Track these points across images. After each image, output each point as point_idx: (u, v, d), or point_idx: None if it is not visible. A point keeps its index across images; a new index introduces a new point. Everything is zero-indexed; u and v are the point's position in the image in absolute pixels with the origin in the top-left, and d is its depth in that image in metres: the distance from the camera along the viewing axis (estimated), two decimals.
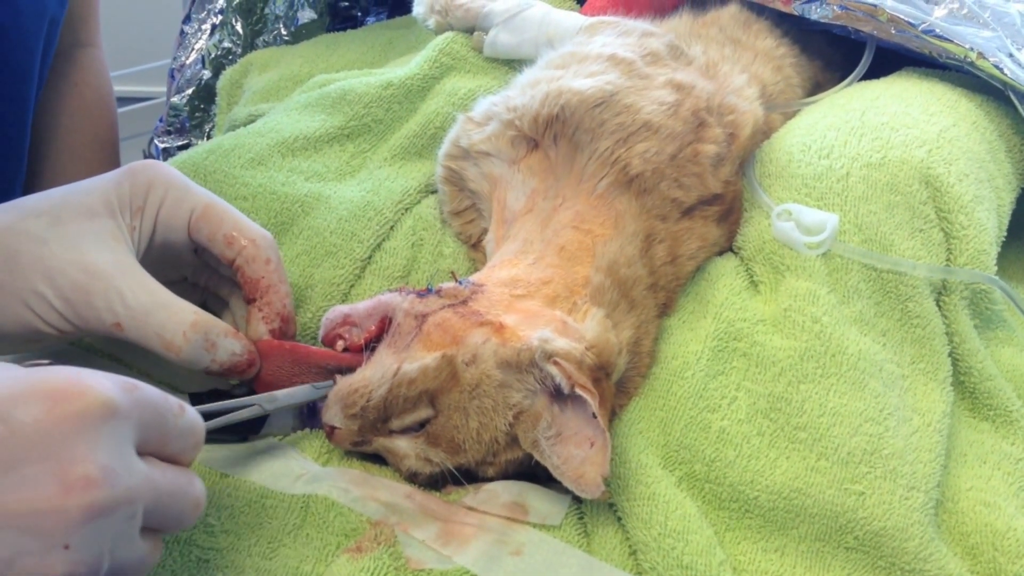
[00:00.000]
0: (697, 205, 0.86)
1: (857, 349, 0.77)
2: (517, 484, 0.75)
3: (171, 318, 0.68)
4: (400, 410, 0.72)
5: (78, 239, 0.68)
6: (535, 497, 0.74)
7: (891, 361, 0.79)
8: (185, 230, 0.73)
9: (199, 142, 1.31)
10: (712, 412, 0.77)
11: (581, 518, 0.74)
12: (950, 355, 0.81)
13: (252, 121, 1.05)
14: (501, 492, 0.74)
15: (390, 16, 1.50)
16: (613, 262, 0.79)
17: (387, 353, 0.74)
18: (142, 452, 0.56)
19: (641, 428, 0.78)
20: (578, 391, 0.68)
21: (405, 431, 0.74)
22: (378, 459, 0.77)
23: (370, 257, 0.89)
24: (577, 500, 0.74)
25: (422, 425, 0.73)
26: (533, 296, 0.77)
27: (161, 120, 1.35)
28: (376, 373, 0.72)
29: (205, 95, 1.33)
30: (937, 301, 0.82)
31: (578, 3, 1.19)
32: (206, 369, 0.71)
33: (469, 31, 1.06)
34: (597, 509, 0.73)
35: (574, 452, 0.70)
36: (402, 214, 0.92)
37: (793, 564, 0.72)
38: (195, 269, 0.80)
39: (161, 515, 0.57)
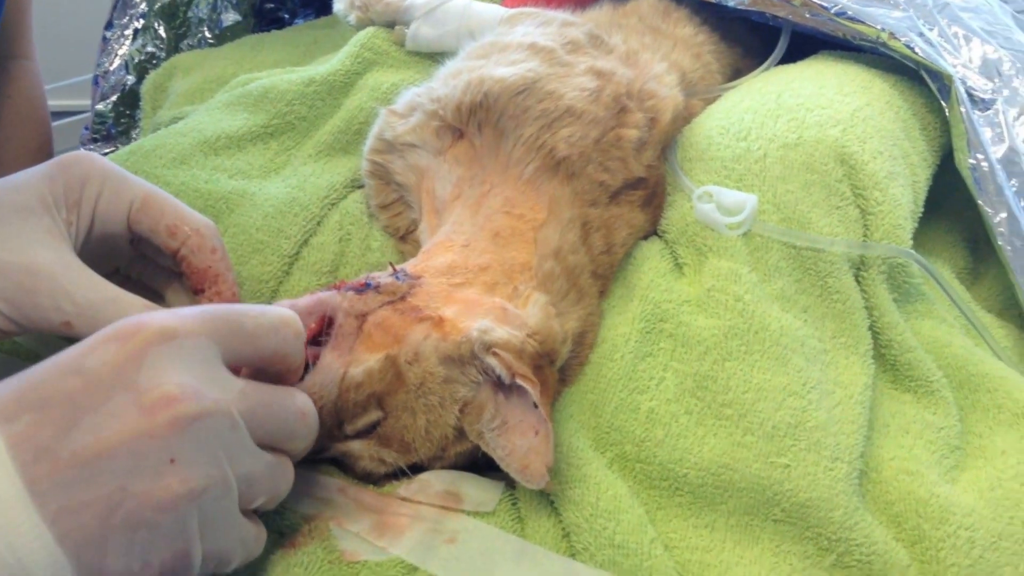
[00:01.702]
0: (623, 189, 0.87)
1: (779, 326, 0.78)
2: (450, 473, 0.75)
3: (121, 312, 0.67)
4: (351, 415, 0.72)
5: (16, 239, 0.66)
6: (468, 485, 0.74)
7: (813, 336, 0.80)
8: (124, 222, 0.72)
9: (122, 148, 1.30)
10: (641, 393, 0.78)
11: (515, 503, 0.74)
12: (870, 329, 0.83)
13: (176, 123, 1.04)
14: (434, 481, 0.74)
15: (317, 16, 1.49)
16: (558, 248, 0.80)
17: (332, 357, 0.73)
18: (235, 365, 0.59)
19: (572, 412, 0.78)
20: (519, 381, 0.68)
21: (359, 434, 0.73)
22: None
23: (297, 253, 0.89)
24: (511, 486, 0.75)
25: (374, 427, 0.73)
26: (472, 283, 0.77)
27: (87, 128, 1.34)
28: (324, 379, 0.72)
29: (130, 101, 1.32)
30: (856, 276, 0.84)
31: None
32: None
33: (390, 26, 1.06)
34: (531, 494, 0.73)
35: (519, 442, 0.70)
36: (328, 209, 0.92)
37: (723, 539, 0.73)
38: (130, 260, 0.78)
39: (267, 427, 0.60)
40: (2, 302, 0.65)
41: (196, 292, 0.75)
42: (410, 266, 0.79)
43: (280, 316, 0.63)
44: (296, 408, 0.62)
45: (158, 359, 0.55)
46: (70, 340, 0.60)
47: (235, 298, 0.76)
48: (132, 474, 0.51)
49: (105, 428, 0.52)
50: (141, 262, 0.79)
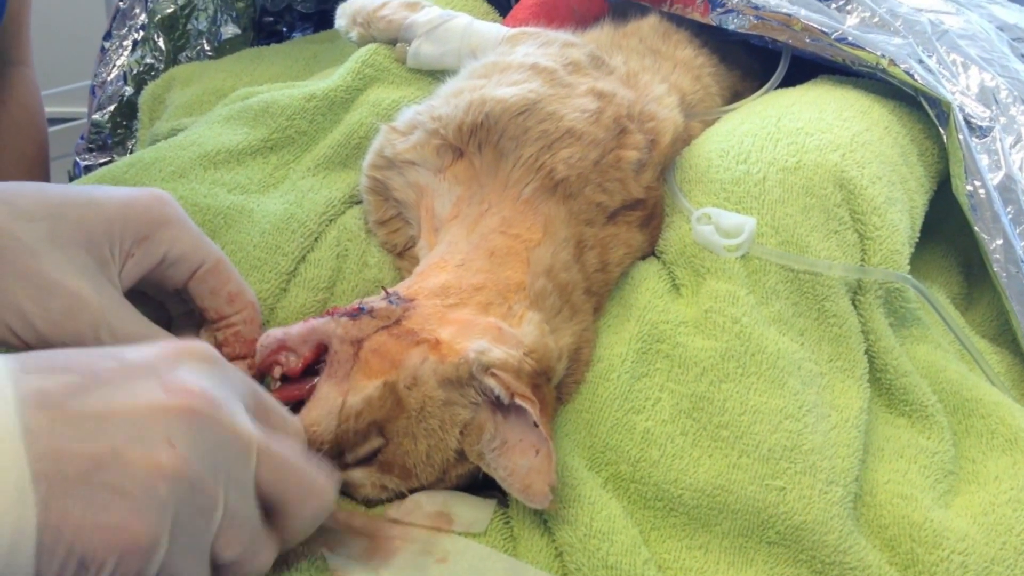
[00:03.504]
0: (621, 210, 0.87)
1: (776, 348, 0.79)
2: (441, 493, 0.75)
3: None
4: (352, 444, 0.71)
5: (72, 263, 0.66)
6: (459, 505, 0.74)
7: (809, 359, 0.80)
8: (188, 274, 0.73)
9: (121, 158, 1.29)
10: (637, 413, 0.78)
11: (507, 523, 0.74)
12: (866, 353, 0.83)
13: (174, 135, 1.04)
14: (425, 502, 0.74)
15: (316, 31, 1.49)
16: (550, 267, 0.80)
17: (329, 386, 0.73)
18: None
19: (567, 430, 0.78)
20: (518, 400, 0.68)
21: (359, 462, 0.73)
22: None
23: (295, 270, 0.88)
24: (503, 504, 0.75)
25: (375, 454, 0.72)
26: (466, 304, 0.77)
27: (83, 138, 1.33)
28: (322, 412, 0.72)
29: (127, 111, 1.32)
30: (853, 300, 0.84)
31: (501, 15, 1.20)
32: None
33: (392, 43, 1.07)
34: (523, 513, 0.73)
35: (520, 462, 0.70)
36: (326, 225, 0.92)
37: (717, 560, 0.73)
38: (157, 291, 0.78)
39: (281, 487, 0.59)
40: (44, 321, 0.65)
41: (236, 358, 0.76)
42: (403, 288, 0.79)
43: (295, 424, 0.66)
44: (318, 488, 0.62)
45: (195, 369, 0.56)
46: None
47: None
48: (128, 440, 0.51)
49: (118, 397, 0.52)
50: (169, 296, 0.79)
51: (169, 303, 0.79)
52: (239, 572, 0.59)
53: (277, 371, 0.75)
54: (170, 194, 0.74)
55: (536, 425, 0.68)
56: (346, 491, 0.74)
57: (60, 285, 0.65)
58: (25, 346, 0.65)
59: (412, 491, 0.74)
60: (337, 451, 0.72)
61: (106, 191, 0.70)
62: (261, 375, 0.77)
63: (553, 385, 0.75)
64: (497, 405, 0.71)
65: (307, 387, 0.74)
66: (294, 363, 0.74)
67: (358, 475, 0.73)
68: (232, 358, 0.76)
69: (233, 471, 0.56)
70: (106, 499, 0.50)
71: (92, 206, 0.68)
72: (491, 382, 0.70)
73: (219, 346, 0.76)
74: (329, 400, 0.72)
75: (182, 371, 0.55)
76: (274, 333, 0.75)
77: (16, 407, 0.49)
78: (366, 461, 0.73)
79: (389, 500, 0.74)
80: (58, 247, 0.66)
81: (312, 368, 0.75)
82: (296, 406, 0.74)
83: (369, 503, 0.75)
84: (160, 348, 0.57)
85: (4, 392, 0.50)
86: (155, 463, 0.51)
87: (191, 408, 0.54)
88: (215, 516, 0.55)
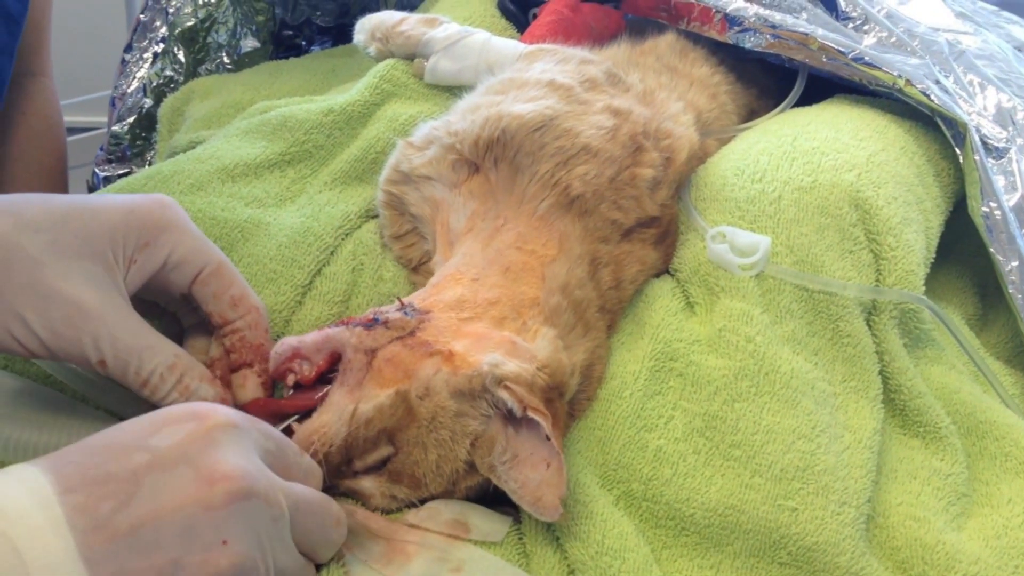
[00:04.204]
0: (635, 227, 0.87)
1: (790, 368, 0.78)
2: (459, 502, 0.75)
3: (152, 359, 0.69)
4: (361, 451, 0.72)
5: (75, 274, 0.67)
6: (477, 515, 0.74)
7: (823, 380, 0.80)
8: (190, 279, 0.74)
9: (140, 170, 1.30)
10: (649, 431, 0.78)
11: (520, 538, 0.74)
12: (880, 373, 0.83)
13: (193, 148, 1.05)
14: (443, 509, 0.74)
15: (334, 45, 1.50)
16: (565, 283, 0.80)
17: (341, 393, 0.73)
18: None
19: (580, 448, 0.78)
20: (531, 414, 0.68)
21: (368, 471, 0.73)
22: None
23: (310, 283, 0.89)
24: (518, 520, 0.75)
25: (384, 463, 0.73)
26: (480, 318, 0.77)
27: (102, 149, 1.34)
28: (333, 417, 0.72)
29: (146, 123, 1.32)
30: (867, 321, 0.84)
31: (518, 31, 1.20)
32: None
33: (410, 58, 1.07)
34: (536, 529, 0.73)
35: (531, 475, 0.70)
36: (342, 239, 0.92)
37: None
38: (166, 300, 0.79)
39: (306, 527, 0.63)
40: (46, 331, 0.66)
41: (243, 366, 0.77)
42: (418, 300, 0.79)
43: (311, 465, 0.69)
44: (334, 514, 0.66)
45: (222, 443, 0.58)
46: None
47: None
48: (185, 547, 0.53)
49: (163, 498, 0.54)
50: (175, 303, 0.80)
51: (181, 314, 0.80)
52: None
53: (291, 379, 0.75)
54: (187, 207, 0.75)
55: (548, 439, 0.68)
56: (357, 500, 0.75)
57: (61, 294, 0.66)
58: (29, 354, 0.66)
59: (422, 502, 0.74)
60: (346, 457, 0.72)
61: (109, 199, 0.71)
62: (274, 382, 0.77)
63: (565, 401, 0.76)
64: (509, 418, 0.71)
65: (319, 395, 0.75)
66: (308, 371, 0.75)
67: (368, 485, 0.73)
68: (239, 365, 0.76)
69: (275, 538, 0.59)
70: None
71: (95, 214, 0.69)
72: (504, 395, 0.70)
73: (227, 353, 0.77)
74: (340, 406, 0.72)
75: (214, 452, 0.57)
76: (289, 341, 0.75)
77: (72, 537, 0.51)
78: (375, 469, 0.73)
79: (399, 510, 0.74)
80: (63, 256, 0.67)
81: (325, 377, 0.75)
82: (308, 414, 0.74)
83: (383, 512, 0.75)
84: (186, 427, 0.58)
85: (58, 525, 0.51)
86: (215, 567, 0.54)
87: (230, 494, 0.55)
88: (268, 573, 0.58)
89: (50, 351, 0.66)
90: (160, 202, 0.73)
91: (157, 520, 0.53)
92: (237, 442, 0.59)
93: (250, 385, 0.77)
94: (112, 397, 0.79)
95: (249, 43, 1.40)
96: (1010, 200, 0.93)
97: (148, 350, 0.69)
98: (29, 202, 0.68)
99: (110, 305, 0.68)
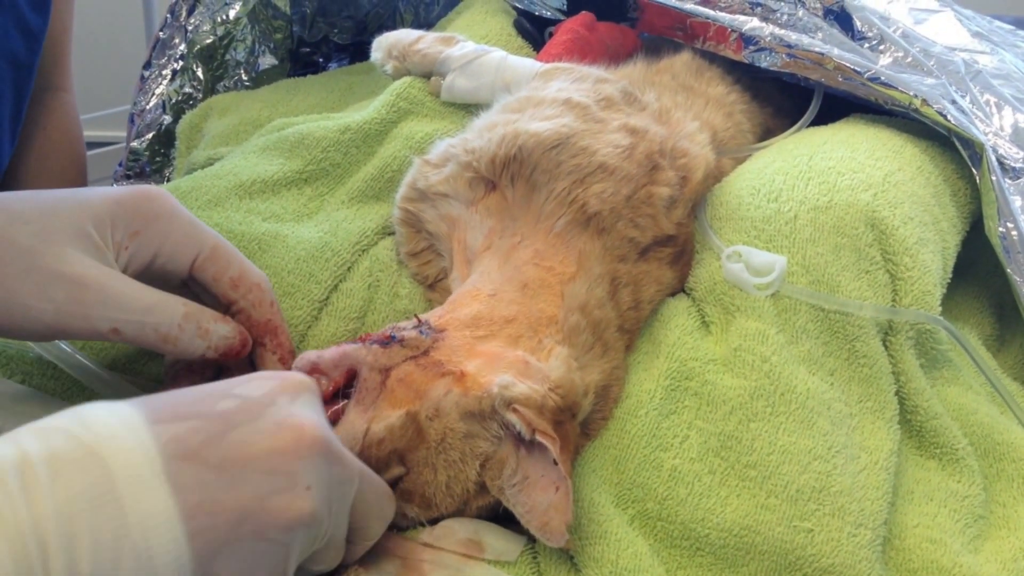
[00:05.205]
0: (652, 246, 0.87)
1: (806, 388, 0.78)
2: (473, 521, 0.75)
3: (164, 313, 0.70)
4: (374, 470, 0.71)
5: (66, 255, 0.68)
6: (491, 534, 0.74)
7: (839, 400, 0.80)
8: (187, 266, 0.75)
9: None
10: (664, 451, 0.78)
11: (535, 557, 0.74)
12: (897, 394, 0.83)
13: (211, 164, 1.05)
14: (457, 528, 0.74)
15: (352, 62, 1.51)
16: (585, 303, 0.80)
17: (356, 412, 0.73)
18: None
19: (594, 467, 0.78)
20: (539, 437, 0.68)
21: None
22: None
23: (327, 299, 0.89)
24: (532, 539, 0.75)
25: (395, 483, 0.73)
26: (496, 336, 0.77)
27: (121, 164, 1.35)
28: (346, 436, 0.72)
29: (165, 140, 1.33)
30: (883, 341, 0.84)
31: (534, 50, 1.21)
32: (203, 356, 0.73)
33: (426, 76, 1.08)
34: (550, 549, 0.73)
35: (540, 498, 0.70)
36: (359, 255, 0.93)
37: None
38: (172, 290, 0.80)
39: (367, 498, 0.64)
40: (51, 313, 0.66)
41: (255, 344, 0.78)
42: (435, 317, 0.79)
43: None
44: (387, 491, 0.68)
45: (306, 402, 0.59)
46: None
47: (293, 351, 0.80)
48: (271, 487, 0.54)
49: (252, 439, 0.55)
50: (182, 290, 0.80)
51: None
52: None
53: None
54: (205, 221, 0.76)
55: (556, 463, 0.68)
56: None
57: (60, 275, 0.67)
58: (39, 338, 0.68)
59: (432, 521, 0.74)
60: None
61: (96, 190, 0.72)
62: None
63: (578, 421, 0.75)
64: (520, 440, 0.71)
65: (335, 410, 0.75)
66: (325, 386, 0.75)
67: None
68: (252, 343, 0.78)
69: (341, 502, 0.60)
70: (251, 549, 0.53)
71: (81, 204, 0.70)
72: (512, 417, 0.70)
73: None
74: (354, 426, 0.72)
75: (299, 407, 0.58)
76: (308, 356, 0.76)
77: (161, 464, 0.51)
78: None
79: (412, 528, 0.74)
80: (53, 243, 0.67)
81: (342, 391, 0.76)
82: None
83: (396, 530, 0.75)
84: (271, 383, 0.59)
85: (147, 447, 0.51)
86: (298, 510, 0.55)
87: (318, 449, 0.57)
88: (317, 543, 0.59)
89: (59, 332, 0.68)
90: (146, 193, 0.73)
91: (246, 458, 0.54)
92: (315, 405, 0.61)
93: (268, 364, 0.78)
94: (112, 391, 0.80)
95: (267, 60, 1.41)
96: None
97: (158, 306, 0.70)
98: (17, 198, 0.70)
99: (109, 276, 0.69)
